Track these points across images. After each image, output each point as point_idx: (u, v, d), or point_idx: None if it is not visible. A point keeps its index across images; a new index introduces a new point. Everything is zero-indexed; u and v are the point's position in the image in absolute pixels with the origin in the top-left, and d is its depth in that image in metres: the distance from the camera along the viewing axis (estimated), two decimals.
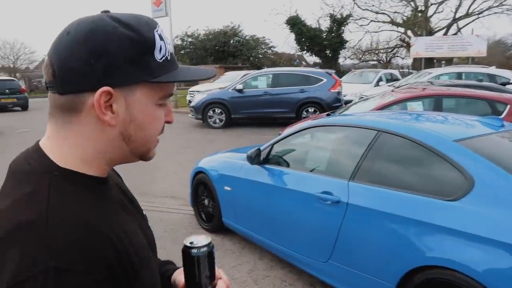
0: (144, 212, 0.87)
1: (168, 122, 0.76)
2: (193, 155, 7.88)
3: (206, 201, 4.28)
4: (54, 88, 0.66)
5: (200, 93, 13.11)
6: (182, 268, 0.83)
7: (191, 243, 0.77)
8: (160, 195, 5.62)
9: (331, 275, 2.80)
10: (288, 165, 3.39)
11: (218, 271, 0.84)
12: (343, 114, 4.89)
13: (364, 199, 2.58)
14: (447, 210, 2.21)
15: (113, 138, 0.69)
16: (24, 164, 0.68)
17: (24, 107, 17.28)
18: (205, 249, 0.77)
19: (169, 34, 20.50)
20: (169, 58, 0.70)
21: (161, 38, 0.69)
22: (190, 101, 14.20)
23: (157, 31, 0.69)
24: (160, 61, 0.68)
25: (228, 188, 3.79)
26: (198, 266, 0.76)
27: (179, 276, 0.88)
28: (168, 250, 3.83)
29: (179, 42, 30.02)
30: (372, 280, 2.48)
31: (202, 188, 4.31)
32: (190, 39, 30.47)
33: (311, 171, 3.14)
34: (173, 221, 4.60)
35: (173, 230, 4.35)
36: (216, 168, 4.10)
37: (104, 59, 0.64)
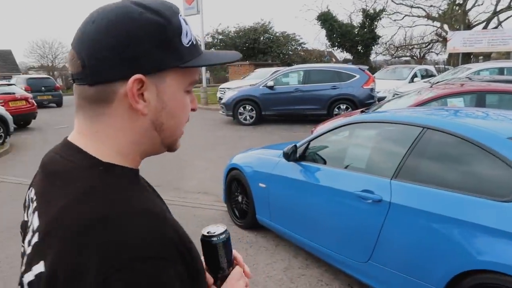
0: None
1: (193, 110, 0.74)
2: (224, 151, 7.91)
3: (239, 198, 4.26)
4: (83, 79, 0.64)
5: (230, 90, 13.14)
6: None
7: (208, 232, 0.81)
8: (193, 191, 5.66)
9: (371, 276, 2.71)
10: (325, 163, 3.31)
11: (236, 256, 0.86)
12: (382, 111, 4.74)
13: (408, 199, 2.47)
14: (500, 211, 2.07)
15: (145, 128, 0.67)
16: (63, 162, 0.66)
17: (59, 103, 18.04)
18: (223, 236, 0.81)
19: (200, 31, 20.70)
20: (194, 43, 0.69)
21: (186, 23, 0.68)
22: (220, 98, 14.29)
23: (180, 15, 0.67)
24: (187, 45, 0.67)
25: (263, 185, 3.75)
26: (218, 252, 0.81)
27: None
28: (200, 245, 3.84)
29: (210, 40, 30.28)
30: (416, 283, 2.37)
31: (236, 184, 4.29)
32: (220, 37, 30.68)
33: (349, 168, 3.05)
34: (206, 217, 4.61)
35: (206, 225, 4.35)
36: (250, 164, 4.06)
37: (133, 46, 0.62)
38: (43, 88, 17.10)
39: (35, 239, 0.60)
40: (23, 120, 12.11)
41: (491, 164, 2.24)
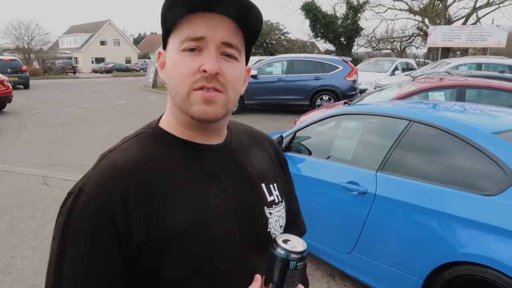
0: (272, 198, 0.83)
1: (204, 71, 0.69)
2: None
3: None
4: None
5: None
6: None
7: (284, 241, 0.70)
8: None
9: (354, 266, 2.74)
10: (310, 154, 3.31)
11: None
12: (369, 103, 4.77)
13: (393, 191, 2.50)
14: (483, 204, 2.12)
15: (169, 97, 0.76)
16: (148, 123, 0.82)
17: (26, 85, 18.75)
18: (291, 255, 0.68)
19: None
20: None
21: None
22: None
23: None
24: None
25: None
26: (275, 265, 0.69)
27: None
28: None
29: None
30: (398, 274, 2.41)
31: None
32: None
33: (335, 160, 3.06)
34: None
35: None
36: None
37: (162, 24, 0.74)
38: (9, 69, 16.90)
39: None
40: None
41: (475, 158, 2.28)
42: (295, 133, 3.45)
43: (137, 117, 10.58)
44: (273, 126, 9.39)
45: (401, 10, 27.72)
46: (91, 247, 0.66)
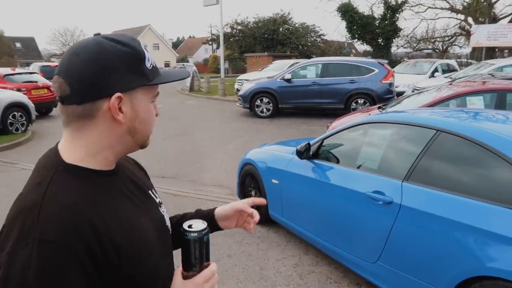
0: (159, 200, 1.02)
1: (157, 115, 0.93)
2: (241, 144, 7.97)
3: (253, 193, 4.31)
4: (71, 100, 0.80)
5: (248, 82, 13.15)
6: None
7: (189, 226, 0.86)
8: (208, 184, 5.75)
9: (380, 276, 2.73)
10: (338, 161, 3.32)
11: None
12: (397, 111, 4.70)
13: (419, 202, 2.47)
14: None
15: (121, 134, 0.85)
16: (43, 160, 0.86)
17: None
18: (199, 233, 0.85)
19: (220, 22, 20.68)
20: (154, 65, 0.88)
21: (147, 50, 0.87)
22: (238, 90, 14.32)
23: (142, 45, 0.87)
24: (150, 68, 0.86)
25: (276, 181, 3.79)
26: (191, 249, 0.85)
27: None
28: (212, 238, 3.91)
29: (229, 30, 30.23)
30: (423, 286, 2.38)
31: (249, 179, 4.34)
32: (239, 27, 30.58)
33: (362, 169, 3.05)
34: None
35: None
36: (264, 160, 4.11)
37: (113, 72, 0.80)
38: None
39: None
40: (45, 108, 12.44)
41: (505, 170, 2.22)
42: (322, 140, 3.47)
43: (174, 122, 10.87)
44: (307, 130, 9.39)
45: (442, 9, 26.79)
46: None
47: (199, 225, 0.87)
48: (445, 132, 2.55)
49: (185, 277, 0.86)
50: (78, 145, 0.83)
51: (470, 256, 2.16)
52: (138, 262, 0.81)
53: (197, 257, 0.85)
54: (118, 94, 0.80)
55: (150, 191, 1.01)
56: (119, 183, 0.89)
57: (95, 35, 0.85)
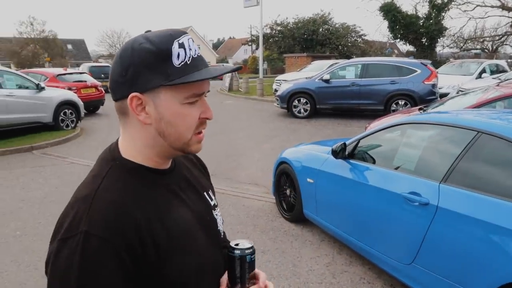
0: (213, 202, 1.00)
1: (206, 118, 0.86)
2: (277, 143, 8.03)
3: (287, 191, 4.36)
4: (112, 97, 0.84)
5: (286, 82, 13.17)
6: None
7: (236, 244, 0.90)
8: (244, 182, 5.85)
9: (414, 278, 2.70)
10: (374, 162, 3.30)
11: (259, 274, 0.95)
12: (437, 112, 4.59)
13: (456, 204, 2.42)
14: None
15: (153, 135, 0.83)
16: (104, 153, 0.89)
17: None
18: (245, 251, 0.89)
19: (259, 23, 20.84)
20: (188, 62, 0.80)
21: (181, 46, 0.80)
22: (276, 90, 14.38)
23: (178, 40, 0.80)
24: (178, 66, 0.79)
25: (311, 180, 3.82)
26: (235, 265, 0.89)
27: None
28: (248, 234, 4.01)
29: (268, 31, 30.32)
30: None
31: (285, 178, 4.39)
32: (279, 28, 30.60)
33: (398, 169, 3.02)
34: (255, 208, 4.78)
35: (255, 216, 4.52)
36: (299, 159, 4.14)
37: (131, 70, 0.78)
38: (102, 75, 18.73)
39: None
40: (93, 106, 13.11)
41: None
42: (358, 140, 3.46)
43: (213, 121, 11.08)
44: (344, 131, 9.29)
45: (492, 7, 25.49)
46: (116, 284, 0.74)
47: (245, 244, 0.90)
48: (486, 134, 2.48)
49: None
50: (127, 141, 0.86)
51: (509, 260, 2.10)
52: (179, 262, 0.81)
53: (239, 275, 0.89)
54: (133, 94, 0.79)
55: (205, 192, 0.99)
56: (172, 182, 0.89)
57: (146, 32, 0.84)
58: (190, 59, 0.80)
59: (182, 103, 0.81)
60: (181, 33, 0.81)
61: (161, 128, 0.82)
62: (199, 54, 0.83)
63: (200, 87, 0.82)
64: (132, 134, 0.85)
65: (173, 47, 0.78)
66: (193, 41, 0.83)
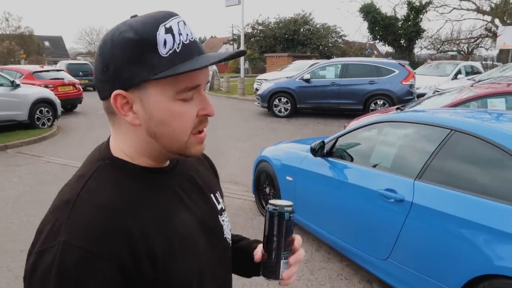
0: (221, 206, 0.89)
1: (207, 115, 0.73)
2: (258, 142, 8.04)
3: (267, 189, 4.37)
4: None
5: (267, 81, 13.22)
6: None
7: (274, 203, 0.83)
8: (224, 180, 5.83)
9: (390, 273, 2.75)
10: (352, 159, 3.35)
11: (297, 238, 0.87)
12: (413, 110, 4.69)
13: (430, 200, 2.48)
14: None
15: (144, 137, 0.72)
16: (93, 152, 0.78)
17: (95, 87, 20.21)
18: (285, 209, 0.82)
19: (241, 22, 20.83)
20: (178, 50, 0.67)
21: (169, 31, 0.67)
22: (257, 89, 14.40)
23: (165, 24, 0.67)
24: (166, 55, 0.66)
25: (290, 178, 3.84)
26: (274, 222, 0.82)
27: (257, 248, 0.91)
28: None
29: (250, 30, 30.33)
30: (432, 283, 2.40)
31: (264, 176, 4.41)
32: (260, 27, 30.65)
33: (375, 167, 3.08)
34: (235, 206, 4.78)
35: (235, 214, 4.52)
36: (279, 157, 4.16)
37: (112, 65, 0.67)
38: (80, 73, 18.51)
39: None
40: (70, 105, 12.82)
41: None
42: (337, 139, 3.50)
43: None
44: (324, 130, 9.38)
45: (468, 10, 26.20)
46: None
47: (283, 202, 0.84)
48: (459, 132, 2.55)
49: (262, 256, 0.84)
50: (117, 140, 0.75)
51: (480, 254, 2.17)
52: (176, 275, 0.71)
53: (276, 231, 0.82)
54: (116, 91, 0.68)
55: (212, 194, 0.87)
56: (173, 182, 0.78)
57: (132, 17, 0.71)
58: (180, 46, 0.67)
59: (174, 100, 0.69)
60: (169, 15, 0.69)
61: (152, 129, 0.70)
62: (192, 39, 0.70)
63: (194, 79, 0.69)
64: (123, 135, 0.74)
65: (158, 33, 0.66)
66: (184, 24, 0.70)
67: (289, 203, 0.84)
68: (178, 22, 0.68)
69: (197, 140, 0.74)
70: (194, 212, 0.79)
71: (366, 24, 26.53)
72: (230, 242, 0.91)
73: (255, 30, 30.83)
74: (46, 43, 44.69)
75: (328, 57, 25.44)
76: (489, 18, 26.21)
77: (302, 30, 29.86)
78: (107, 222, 0.65)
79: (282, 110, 11.54)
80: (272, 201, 0.83)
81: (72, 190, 0.69)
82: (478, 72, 14.72)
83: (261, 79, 15.60)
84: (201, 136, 0.74)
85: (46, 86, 11.29)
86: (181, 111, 0.70)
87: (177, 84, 0.68)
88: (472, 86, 6.69)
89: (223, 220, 0.88)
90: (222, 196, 0.92)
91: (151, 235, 0.68)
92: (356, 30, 38.44)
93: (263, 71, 26.47)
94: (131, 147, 0.74)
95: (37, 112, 9.63)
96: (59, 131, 9.72)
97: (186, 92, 0.69)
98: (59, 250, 0.61)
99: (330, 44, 30.52)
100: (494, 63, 21.39)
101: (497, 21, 25.18)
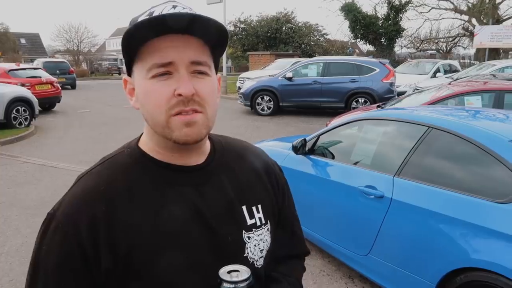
0: (253, 222, 0.80)
1: (179, 95, 0.67)
2: None
3: None
4: None
5: (249, 80, 13.21)
6: None
7: (229, 272, 0.68)
8: None
9: (371, 269, 2.79)
10: (333, 157, 3.38)
11: None
12: (393, 108, 4.76)
13: (409, 196, 2.53)
14: (497, 212, 2.12)
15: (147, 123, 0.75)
16: (131, 140, 0.82)
17: (73, 86, 20.07)
18: (243, 284, 0.67)
19: (223, 20, 20.74)
20: (150, 19, 0.66)
21: (149, 15, 0.69)
22: (239, 88, 14.39)
23: (150, 9, 0.71)
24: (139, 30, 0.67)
25: None
26: None
27: None
28: None
29: (232, 28, 30.26)
30: (412, 278, 2.44)
31: None
32: (242, 26, 30.63)
33: (356, 164, 3.12)
34: None
35: None
36: None
37: (123, 53, 0.72)
38: (58, 71, 18.09)
39: None
40: (48, 103, 12.52)
41: (491, 165, 2.28)
42: (318, 137, 3.53)
43: None
44: (307, 128, 9.44)
45: (446, 9, 26.73)
46: (60, 276, 0.68)
47: (239, 274, 0.67)
48: (436, 129, 2.61)
49: None
50: (144, 131, 0.79)
51: (456, 248, 2.22)
52: (161, 268, 0.69)
53: None
54: (124, 77, 0.77)
55: (245, 206, 0.79)
56: (187, 182, 0.74)
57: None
58: (153, 18, 0.66)
59: (147, 78, 0.69)
60: (161, 5, 0.71)
61: (143, 112, 0.73)
62: (174, 12, 0.67)
63: (164, 55, 0.67)
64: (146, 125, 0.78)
65: (139, 19, 0.69)
66: (174, 8, 0.68)
67: (245, 275, 0.67)
68: (164, 8, 0.70)
69: (179, 122, 0.69)
70: (201, 218, 0.73)
71: (347, 23, 26.76)
72: (259, 263, 0.80)
73: (237, 28, 30.79)
74: (23, 41, 43.54)
75: (310, 56, 25.61)
76: (466, 17, 26.82)
77: (284, 28, 29.98)
78: (81, 204, 0.70)
79: (265, 108, 11.56)
80: (223, 275, 0.67)
81: (87, 170, 0.77)
82: (456, 71, 15.06)
83: (243, 78, 15.58)
84: (182, 118, 0.68)
85: (23, 85, 10.99)
86: (152, 89, 0.69)
87: (146, 61, 0.69)
88: (450, 84, 6.85)
89: (248, 237, 0.78)
90: (258, 211, 0.81)
91: (121, 229, 0.68)
92: (338, 29, 39.07)
93: (245, 69, 26.48)
94: (147, 135, 0.78)
95: (14, 111, 9.37)
96: (36, 130, 9.49)
97: (155, 68, 0.68)
98: (47, 219, 0.72)
99: (312, 43, 30.74)
100: (471, 61, 21.91)
101: (474, 20, 25.79)
